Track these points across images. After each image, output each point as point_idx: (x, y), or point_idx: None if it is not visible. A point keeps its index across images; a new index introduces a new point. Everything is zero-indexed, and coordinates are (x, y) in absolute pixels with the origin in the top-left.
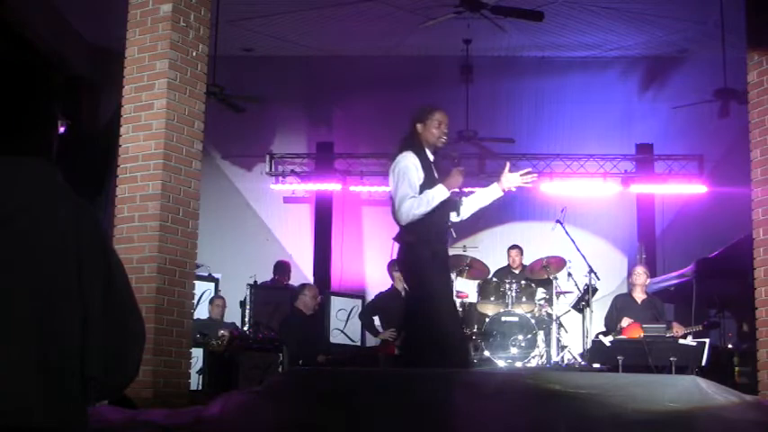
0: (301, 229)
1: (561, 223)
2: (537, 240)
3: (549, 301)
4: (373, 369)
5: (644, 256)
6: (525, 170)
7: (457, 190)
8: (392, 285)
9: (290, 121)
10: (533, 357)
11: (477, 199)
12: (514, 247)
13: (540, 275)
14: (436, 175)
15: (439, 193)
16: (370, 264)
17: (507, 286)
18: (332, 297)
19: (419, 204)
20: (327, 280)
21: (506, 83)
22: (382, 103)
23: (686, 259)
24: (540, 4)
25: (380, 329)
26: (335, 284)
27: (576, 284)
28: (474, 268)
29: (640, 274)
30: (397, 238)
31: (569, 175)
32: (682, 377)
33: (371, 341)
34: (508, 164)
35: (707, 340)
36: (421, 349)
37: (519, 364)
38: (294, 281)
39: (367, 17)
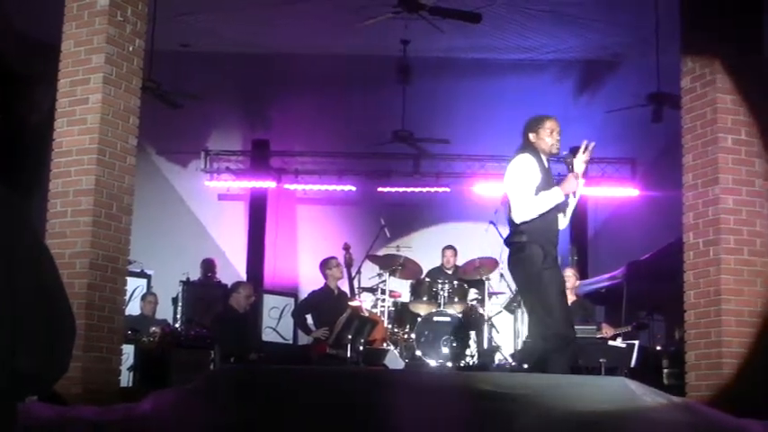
0: (235, 226)
1: (495, 224)
2: (470, 241)
3: (482, 302)
4: (305, 367)
5: (576, 258)
6: (583, 145)
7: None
8: (325, 284)
9: (226, 118)
10: (465, 357)
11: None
12: (448, 247)
13: (472, 276)
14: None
15: (555, 196)
16: (304, 262)
17: (440, 286)
18: (265, 295)
19: (535, 205)
20: (260, 278)
21: (443, 84)
22: (319, 101)
23: (617, 262)
24: (478, 6)
25: (313, 328)
26: (268, 282)
27: (509, 285)
28: (407, 268)
29: (569, 276)
30: (507, 241)
31: (503, 177)
32: (611, 378)
33: (304, 340)
34: (573, 160)
35: (636, 342)
36: (550, 346)
37: (450, 365)
38: (227, 278)
39: (305, 16)
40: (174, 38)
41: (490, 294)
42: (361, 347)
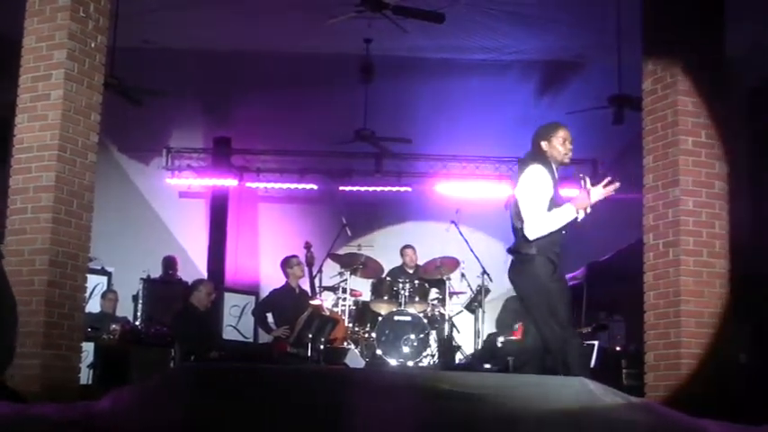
0: (197, 224)
1: (456, 224)
2: (431, 240)
3: (442, 302)
4: (266, 366)
5: None
6: (606, 180)
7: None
8: (286, 282)
9: (189, 116)
10: (425, 357)
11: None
12: (409, 246)
13: (433, 275)
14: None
15: (568, 213)
16: (265, 260)
17: (401, 286)
18: (226, 293)
19: (548, 222)
20: (221, 276)
21: (406, 83)
22: (281, 99)
23: (577, 262)
24: (441, 7)
25: (274, 327)
26: (229, 280)
27: (469, 285)
28: (368, 267)
29: None
30: (514, 250)
31: (465, 177)
32: (570, 378)
33: (264, 338)
34: (587, 179)
35: (596, 342)
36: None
37: (410, 364)
38: (188, 276)
39: (268, 14)
40: (136, 34)
41: (451, 294)
42: (322, 346)
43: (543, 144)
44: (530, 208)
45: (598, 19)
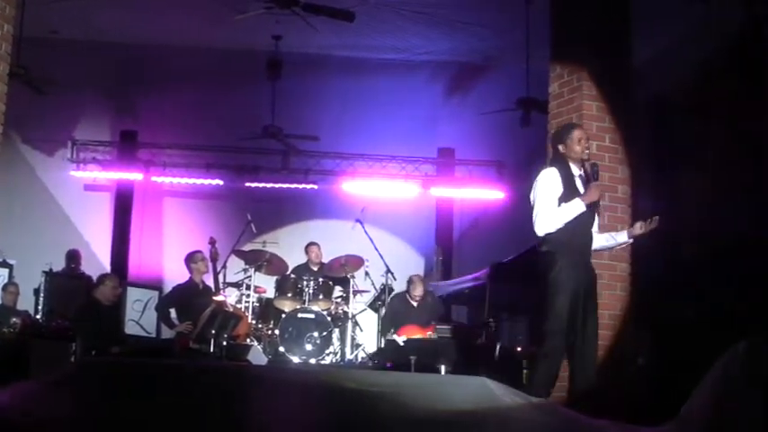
0: (101, 217)
1: (361, 222)
2: (336, 239)
3: (346, 300)
4: (167, 361)
5: (441, 259)
6: (652, 218)
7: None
8: (190, 278)
9: (95, 108)
10: (328, 355)
11: (608, 239)
12: (314, 244)
13: (337, 273)
14: (581, 188)
15: (575, 207)
16: (169, 255)
17: (305, 283)
18: (129, 288)
19: (556, 217)
20: (125, 270)
21: (314, 81)
22: (189, 94)
23: (482, 263)
24: (351, 5)
25: (177, 322)
26: (133, 275)
27: (373, 284)
28: (273, 264)
29: (417, 285)
30: (536, 250)
31: (371, 175)
32: (471, 378)
33: (167, 333)
34: (639, 223)
35: (498, 342)
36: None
37: (313, 361)
38: (91, 270)
39: (177, 8)
40: (43, 24)
41: (355, 292)
42: (225, 342)
43: (560, 147)
44: (536, 207)
45: (508, 22)
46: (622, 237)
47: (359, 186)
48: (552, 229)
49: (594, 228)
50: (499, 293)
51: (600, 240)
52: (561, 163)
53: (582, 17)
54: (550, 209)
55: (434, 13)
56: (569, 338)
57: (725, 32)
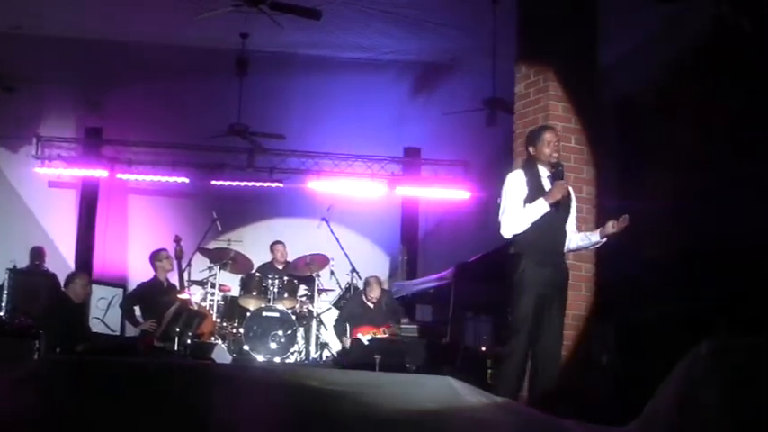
0: (66, 215)
1: (327, 221)
2: (302, 237)
3: (311, 298)
4: (131, 359)
5: (406, 258)
6: (623, 216)
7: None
8: (154, 276)
9: (60, 104)
10: (292, 353)
11: (583, 239)
12: (279, 242)
13: (303, 272)
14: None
15: (538, 207)
16: (134, 253)
17: (270, 281)
18: (93, 285)
19: (521, 218)
20: (89, 267)
21: (281, 79)
22: (155, 91)
23: (447, 262)
24: (318, 4)
25: (141, 320)
26: (97, 272)
27: (338, 283)
28: (237, 262)
29: (374, 287)
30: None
31: (337, 175)
32: (435, 377)
33: (131, 331)
34: (611, 222)
35: (462, 342)
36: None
37: (277, 360)
38: (55, 267)
39: (145, 4)
40: (6, 20)
41: (320, 291)
42: (189, 341)
43: (531, 149)
44: (501, 210)
45: (474, 22)
46: (595, 237)
47: (325, 185)
48: (518, 231)
49: (572, 227)
50: (464, 293)
51: (576, 239)
52: (530, 165)
53: (548, 18)
54: (515, 210)
55: (401, 13)
56: (534, 338)
57: (691, 32)
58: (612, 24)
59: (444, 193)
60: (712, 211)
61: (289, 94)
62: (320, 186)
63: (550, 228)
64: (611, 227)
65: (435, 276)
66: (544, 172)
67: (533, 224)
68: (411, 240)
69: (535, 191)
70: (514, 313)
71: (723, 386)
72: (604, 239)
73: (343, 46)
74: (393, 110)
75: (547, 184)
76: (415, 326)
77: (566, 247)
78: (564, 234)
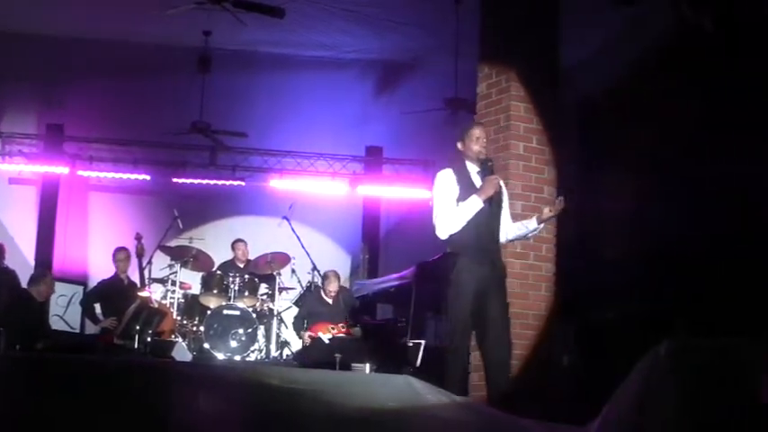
0: (26, 211)
1: (288, 220)
2: (263, 235)
3: (272, 297)
4: (90, 357)
5: (367, 257)
6: (558, 200)
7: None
8: (115, 273)
9: (21, 100)
10: (253, 352)
11: (520, 228)
12: (240, 240)
13: (264, 270)
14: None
15: (472, 204)
16: (95, 250)
17: (231, 280)
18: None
19: (455, 217)
20: (49, 265)
21: (244, 77)
22: (117, 88)
23: (408, 261)
24: (281, 2)
25: (101, 318)
26: (57, 270)
27: (299, 281)
28: (199, 260)
29: (333, 281)
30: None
31: (299, 173)
32: (396, 376)
33: (91, 329)
34: (547, 208)
35: (422, 341)
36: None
37: (238, 358)
38: (15, 265)
39: (108, 1)
40: None
41: (281, 289)
42: (149, 339)
43: (459, 145)
44: (434, 211)
45: (437, 22)
46: (532, 224)
47: (286, 184)
48: (454, 230)
49: (507, 218)
50: (425, 292)
51: (513, 230)
52: (458, 162)
53: (511, 18)
54: (448, 210)
55: (364, 12)
56: (480, 337)
57: (653, 33)
58: (575, 25)
59: (406, 193)
60: (673, 213)
61: (251, 92)
62: (282, 185)
63: (485, 224)
64: (547, 212)
65: (396, 276)
66: (473, 168)
67: (468, 222)
68: (372, 239)
69: (466, 188)
70: (453, 312)
71: (682, 386)
72: (542, 225)
73: (305, 44)
74: (355, 109)
75: (477, 181)
76: (376, 325)
77: (503, 238)
78: (499, 229)
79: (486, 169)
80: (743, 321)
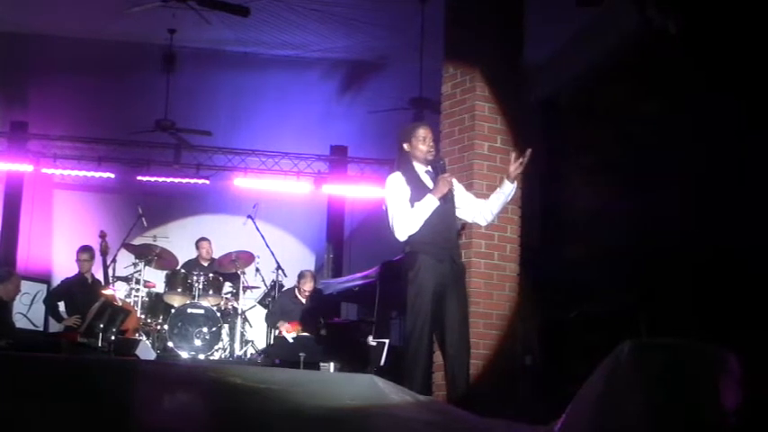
0: None
1: (252, 219)
2: (227, 234)
3: (236, 296)
4: (53, 356)
5: (332, 256)
6: (524, 154)
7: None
8: (79, 272)
9: None
10: (217, 350)
11: (497, 197)
12: (204, 239)
13: (228, 269)
14: (431, 184)
15: (428, 203)
16: (58, 248)
17: (195, 278)
18: None
19: (408, 218)
20: (13, 263)
21: (208, 76)
22: (82, 85)
23: (373, 261)
24: (246, 1)
25: (65, 316)
26: (21, 268)
27: (264, 280)
28: (163, 258)
29: (308, 280)
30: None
31: (264, 172)
32: (360, 376)
33: (55, 327)
34: (512, 166)
35: (386, 341)
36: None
37: (202, 357)
38: None
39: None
40: None
41: (245, 288)
42: (113, 337)
43: (405, 146)
44: (390, 214)
45: (402, 21)
46: (506, 186)
47: (251, 182)
48: (412, 231)
49: (475, 201)
50: (389, 291)
51: (491, 203)
52: (406, 164)
53: (475, 18)
54: (404, 211)
55: (329, 11)
56: (440, 337)
57: (617, 35)
58: (539, 25)
59: (370, 192)
60: (636, 212)
61: (216, 90)
62: (246, 183)
63: (442, 222)
64: (513, 169)
65: (360, 275)
66: (420, 168)
67: (426, 221)
68: (337, 238)
69: (417, 189)
70: (414, 310)
71: (644, 386)
72: (515, 183)
73: (271, 43)
74: (320, 108)
75: (426, 180)
76: (340, 324)
77: (489, 217)
78: (455, 226)
79: (439, 168)
80: (706, 320)
